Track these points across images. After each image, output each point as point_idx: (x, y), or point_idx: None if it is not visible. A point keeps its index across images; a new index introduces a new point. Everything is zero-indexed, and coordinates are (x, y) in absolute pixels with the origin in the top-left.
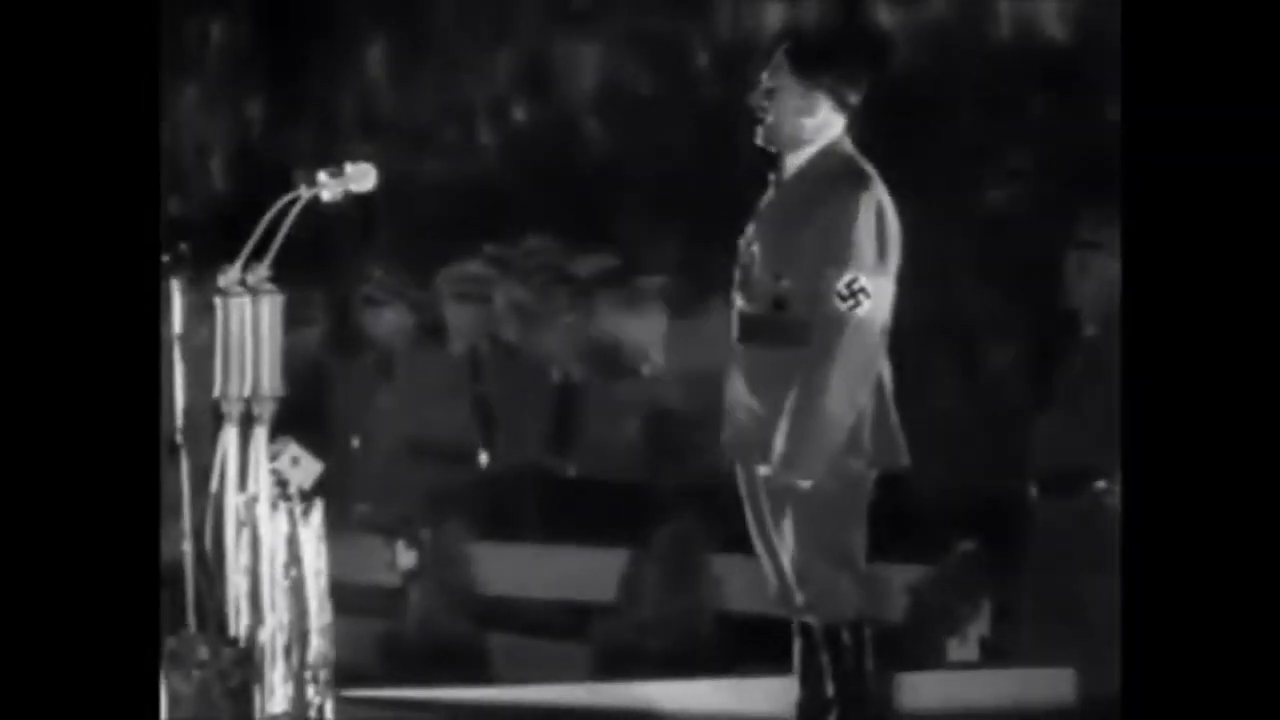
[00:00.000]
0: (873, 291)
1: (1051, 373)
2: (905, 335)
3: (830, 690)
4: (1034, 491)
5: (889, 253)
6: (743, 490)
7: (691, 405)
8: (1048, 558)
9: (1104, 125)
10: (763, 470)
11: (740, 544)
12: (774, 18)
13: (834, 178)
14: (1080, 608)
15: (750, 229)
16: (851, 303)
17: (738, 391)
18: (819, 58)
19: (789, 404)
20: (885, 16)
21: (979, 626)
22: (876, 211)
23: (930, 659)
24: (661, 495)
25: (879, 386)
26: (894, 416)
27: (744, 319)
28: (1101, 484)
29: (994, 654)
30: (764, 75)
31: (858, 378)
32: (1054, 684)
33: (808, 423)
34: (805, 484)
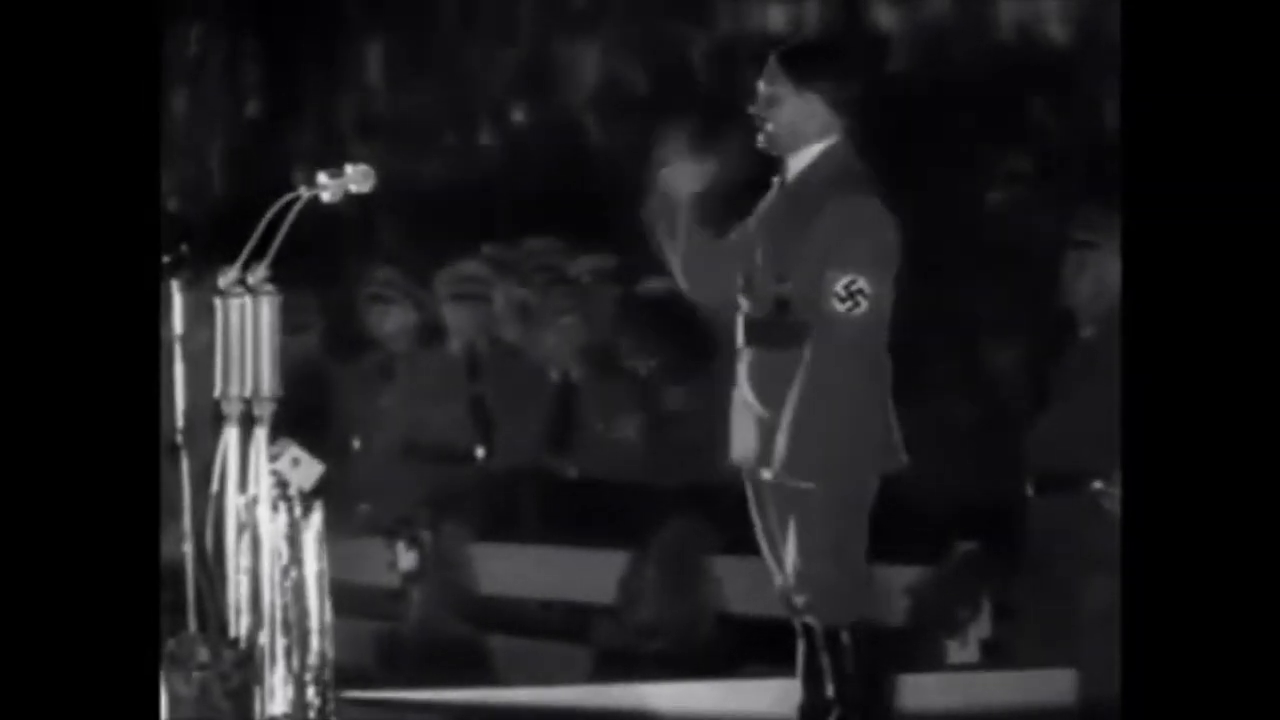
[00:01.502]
0: (871, 293)
1: (1049, 373)
2: (904, 335)
3: (831, 691)
4: (1032, 492)
5: (888, 254)
6: (749, 493)
7: (692, 406)
8: (1047, 558)
9: (1104, 125)
10: (765, 474)
11: (741, 545)
12: (774, 18)
13: (835, 180)
14: (1080, 608)
15: (751, 228)
16: (850, 304)
17: (744, 397)
18: (813, 61)
19: (789, 406)
20: (885, 17)
21: (979, 628)
22: (876, 213)
23: (931, 660)
24: (661, 496)
25: (880, 387)
26: (894, 417)
27: (748, 322)
28: (1099, 484)
29: (994, 655)
30: (760, 83)
31: (857, 378)
32: (1054, 684)
33: (808, 424)
34: (807, 486)
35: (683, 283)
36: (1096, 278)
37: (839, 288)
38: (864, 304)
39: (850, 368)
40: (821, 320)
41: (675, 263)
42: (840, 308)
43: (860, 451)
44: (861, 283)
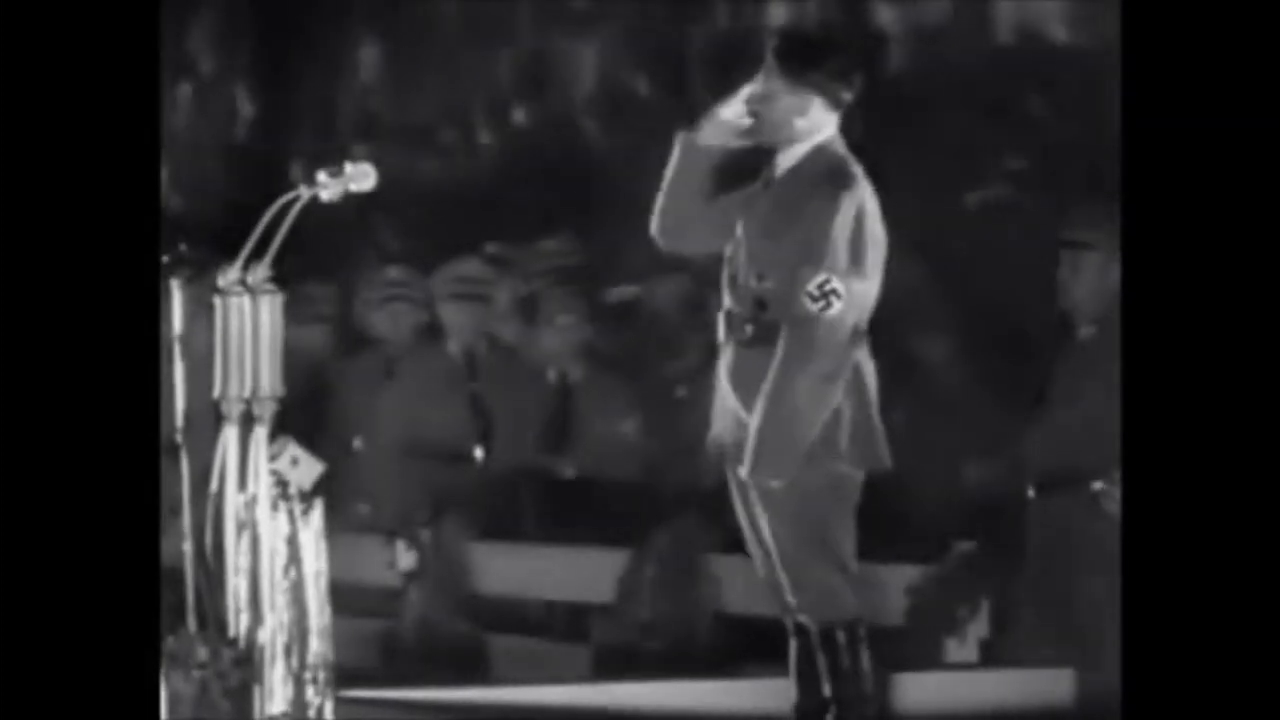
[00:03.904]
0: (845, 293)
1: (1047, 373)
2: (902, 334)
3: (827, 691)
4: (1031, 492)
5: (866, 255)
6: (733, 492)
7: (691, 405)
8: (1046, 558)
9: (1103, 125)
10: (741, 472)
11: (738, 544)
12: (774, 18)
13: (819, 178)
14: (1079, 608)
15: (740, 229)
16: (822, 304)
17: (724, 393)
18: (807, 57)
19: (760, 404)
20: (884, 16)
21: (978, 627)
22: (856, 213)
23: (929, 659)
24: (661, 495)
25: (859, 387)
26: (876, 418)
27: (729, 319)
28: (1099, 484)
29: (993, 654)
30: (758, 78)
31: (827, 379)
32: (1053, 684)
33: (776, 423)
34: (776, 484)
35: (654, 224)
36: (1095, 278)
37: (812, 287)
38: (836, 304)
39: (820, 368)
40: (793, 319)
41: (659, 202)
42: (812, 307)
43: (831, 451)
44: (835, 283)
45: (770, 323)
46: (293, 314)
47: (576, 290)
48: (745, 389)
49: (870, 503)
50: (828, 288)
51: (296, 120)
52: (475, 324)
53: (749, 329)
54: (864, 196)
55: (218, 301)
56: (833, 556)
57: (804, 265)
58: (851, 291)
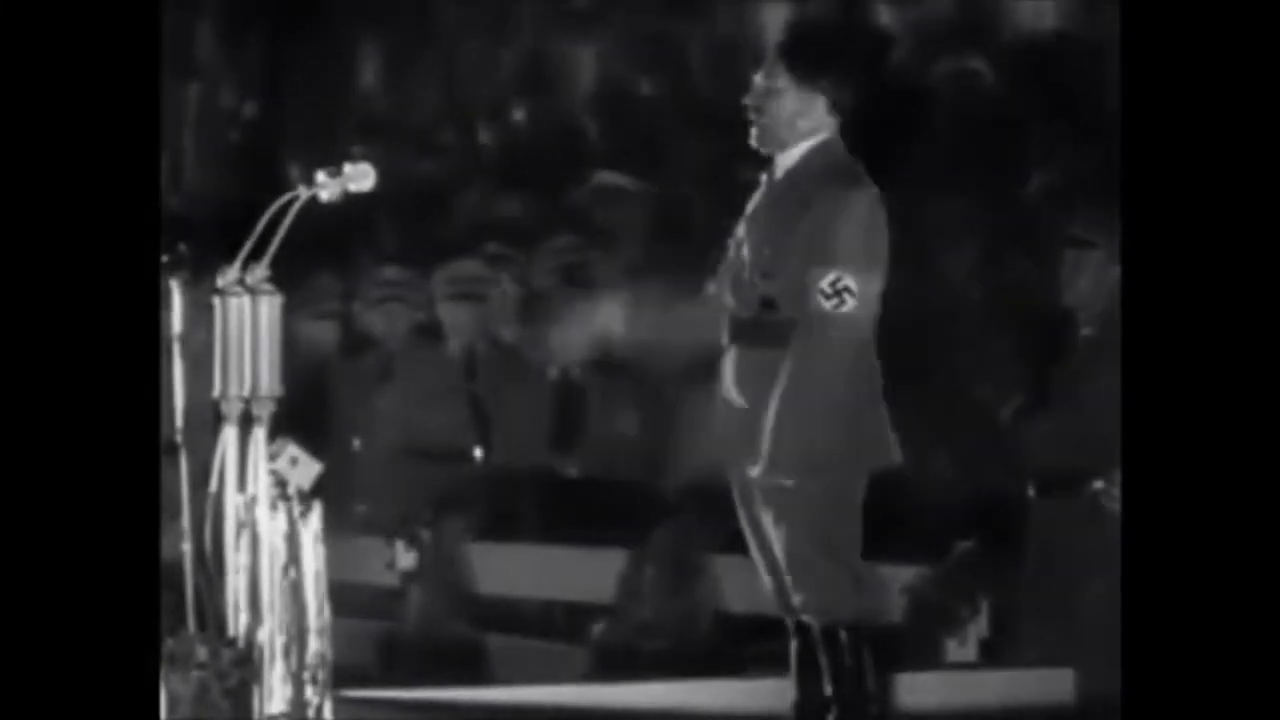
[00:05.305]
0: (858, 290)
1: (1049, 372)
2: (903, 334)
3: (828, 690)
4: (1032, 491)
5: (876, 252)
6: (735, 491)
7: (692, 405)
8: (1046, 558)
9: (1103, 126)
10: (752, 471)
11: (739, 544)
12: (774, 18)
13: (822, 177)
14: (1080, 608)
15: (740, 230)
16: (836, 301)
17: (729, 394)
18: (817, 59)
19: (774, 403)
20: (885, 16)
21: (978, 627)
22: (864, 210)
23: (929, 659)
24: (661, 495)
25: (869, 384)
26: (885, 414)
27: (734, 321)
28: (1099, 484)
29: (993, 654)
30: (758, 76)
31: (843, 376)
32: (1054, 684)
33: (793, 421)
34: (791, 483)
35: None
36: (1096, 277)
37: (824, 285)
38: (850, 301)
39: (835, 365)
40: (807, 318)
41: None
42: (826, 305)
43: (846, 449)
44: (847, 280)
45: (778, 322)
46: (292, 314)
47: (577, 290)
48: (753, 389)
49: (871, 503)
50: (840, 285)
51: (296, 120)
52: (475, 324)
53: (756, 330)
54: (869, 193)
55: (217, 301)
56: (839, 556)
57: (814, 264)
58: (864, 288)
